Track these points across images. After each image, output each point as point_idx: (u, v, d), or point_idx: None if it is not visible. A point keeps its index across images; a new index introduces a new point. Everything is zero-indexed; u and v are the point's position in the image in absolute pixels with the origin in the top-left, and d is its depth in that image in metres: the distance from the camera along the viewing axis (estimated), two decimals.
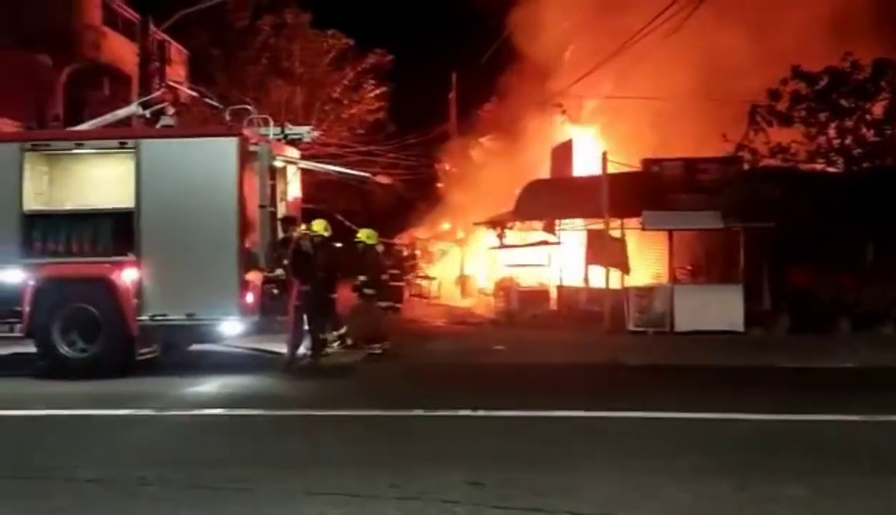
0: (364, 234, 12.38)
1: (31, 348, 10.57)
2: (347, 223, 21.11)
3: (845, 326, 14.96)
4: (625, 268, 17.34)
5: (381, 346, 11.90)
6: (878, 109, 16.41)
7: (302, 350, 11.28)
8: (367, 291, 11.93)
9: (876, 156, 16.33)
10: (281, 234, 11.31)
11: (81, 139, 11.03)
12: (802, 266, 15.99)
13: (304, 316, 11.19)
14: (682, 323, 15.39)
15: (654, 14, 17.74)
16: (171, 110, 11.90)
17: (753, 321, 15.37)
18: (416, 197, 32.83)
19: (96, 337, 10.17)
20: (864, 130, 16.47)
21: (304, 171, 13.08)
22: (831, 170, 16.90)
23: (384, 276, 12.28)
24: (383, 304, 12.25)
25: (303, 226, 11.71)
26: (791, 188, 15.75)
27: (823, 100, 16.58)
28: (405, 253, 18.12)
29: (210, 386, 9.63)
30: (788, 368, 11.05)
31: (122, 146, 10.59)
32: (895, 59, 16.37)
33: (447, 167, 33.46)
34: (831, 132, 16.63)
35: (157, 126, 11.59)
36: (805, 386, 9.57)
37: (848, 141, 16.53)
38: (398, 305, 15.65)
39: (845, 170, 16.58)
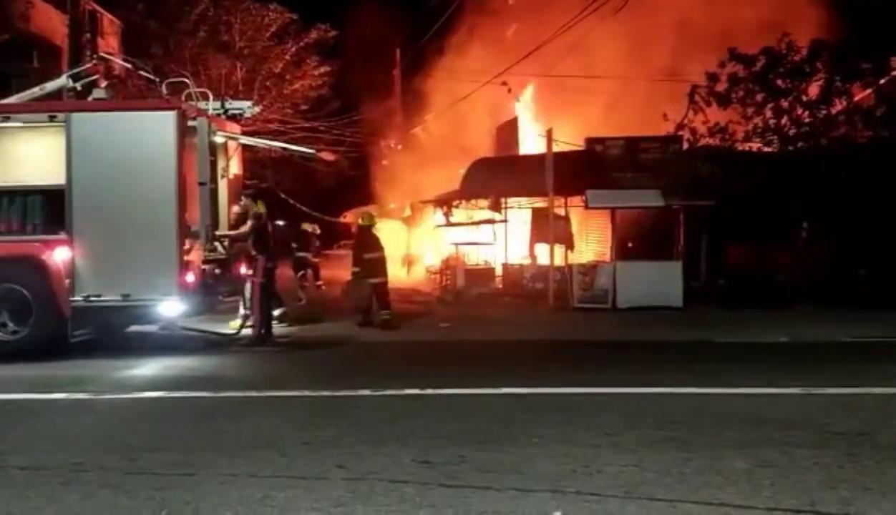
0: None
1: None
2: (291, 201, 20.82)
3: (779, 302, 15.44)
4: (570, 245, 17.54)
5: (383, 314, 13.26)
6: (813, 90, 16.85)
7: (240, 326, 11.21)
8: (354, 269, 13.47)
9: (811, 136, 16.78)
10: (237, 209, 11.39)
11: (9, 113, 10.51)
12: (739, 243, 16.44)
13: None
14: (624, 299, 15.67)
15: None
16: (103, 83, 11.41)
17: (692, 297, 15.74)
18: (361, 174, 32.56)
19: (28, 318, 9.80)
20: (799, 111, 16.90)
21: (246, 148, 12.79)
22: (767, 149, 17.33)
23: (368, 255, 13.41)
24: (372, 281, 13.33)
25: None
26: (729, 167, 16.12)
27: (760, 82, 16.94)
28: (317, 232, 18.99)
29: (149, 368, 9.37)
30: (725, 343, 11.34)
31: (52, 120, 10.15)
32: (830, 40, 16.80)
33: (392, 144, 33.24)
34: (768, 113, 17.03)
35: (89, 99, 11.14)
36: (742, 359, 9.83)
37: (784, 121, 16.95)
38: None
39: (781, 149, 17.02)
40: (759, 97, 16.98)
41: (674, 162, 16.87)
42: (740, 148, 17.34)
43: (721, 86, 17.10)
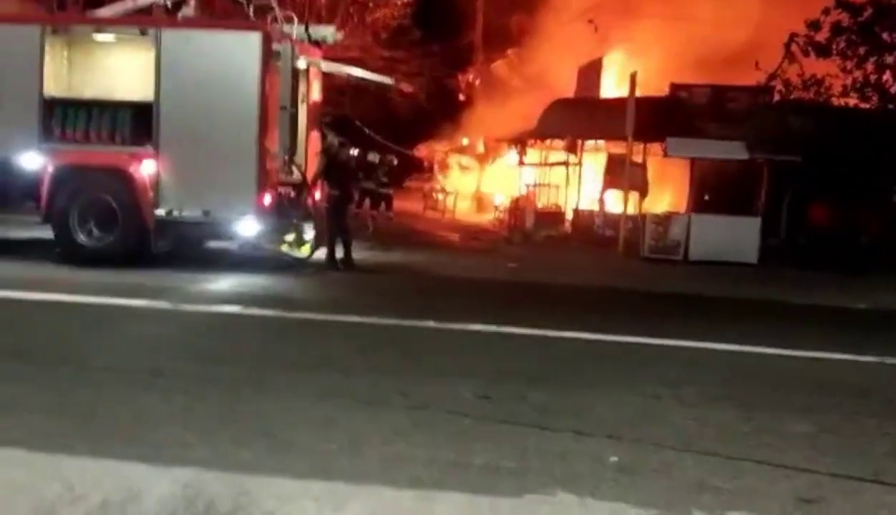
0: None
1: (48, 234, 10.65)
2: (366, 130, 20.89)
3: (861, 267, 14.82)
4: (644, 193, 17.18)
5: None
6: None
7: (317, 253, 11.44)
8: (334, 192, 11.89)
9: None
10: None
11: (102, 25, 10.79)
12: (824, 203, 15.77)
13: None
14: (696, 252, 15.34)
15: None
16: (192, 1, 11.56)
17: (769, 255, 15.28)
18: (437, 108, 32.29)
19: (113, 226, 10.24)
20: None
21: (325, 75, 12.83)
22: (865, 106, 16.45)
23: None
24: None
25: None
26: (821, 122, 15.39)
27: (865, 33, 15.98)
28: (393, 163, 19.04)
29: (225, 283, 9.72)
30: (800, 304, 11.02)
31: (143, 34, 10.38)
32: None
33: (471, 79, 32.82)
34: (869, 67, 16.11)
35: (178, 17, 11.31)
36: (817, 323, 9.56)
37: (886, 77, 16.02)
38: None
39: (879, 107, 16.13)
40: (861, 50, 16.05)
41: (762, 114, 16.17)
42: (835, 103, 16.52)
43: (822, 36, 16.21)
